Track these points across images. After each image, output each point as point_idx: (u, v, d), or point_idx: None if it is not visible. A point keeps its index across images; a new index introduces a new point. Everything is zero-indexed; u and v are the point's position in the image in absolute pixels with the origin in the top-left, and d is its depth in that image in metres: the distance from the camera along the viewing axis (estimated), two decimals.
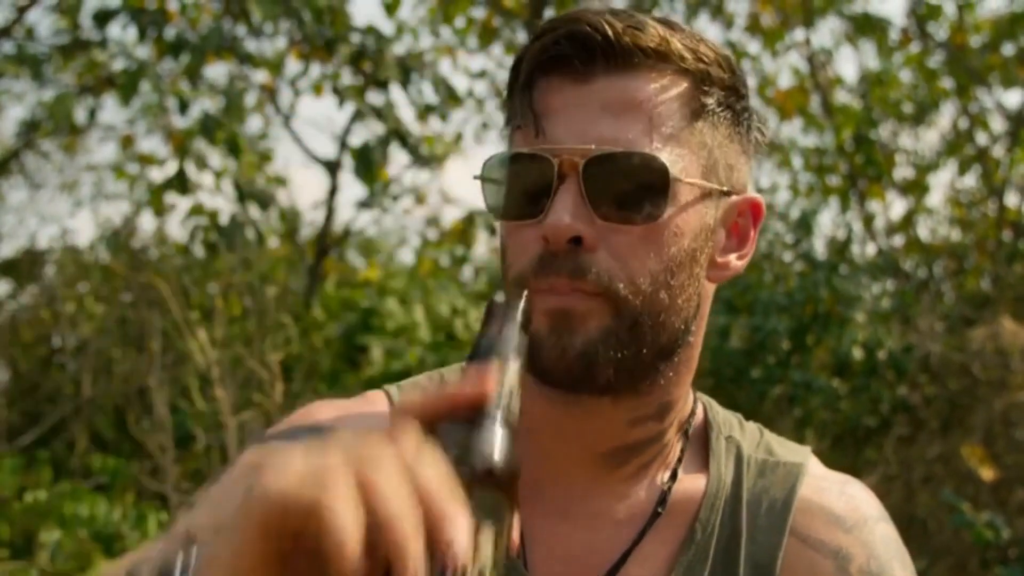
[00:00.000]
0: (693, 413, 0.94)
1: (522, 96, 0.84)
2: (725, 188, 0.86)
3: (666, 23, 0.84)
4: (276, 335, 4.82)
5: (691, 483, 0.91)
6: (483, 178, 0.86)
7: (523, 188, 0.82)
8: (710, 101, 0.84)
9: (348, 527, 0.49)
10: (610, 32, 0.81)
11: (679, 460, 0.91)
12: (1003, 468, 4.44)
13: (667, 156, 0.81)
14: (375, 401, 0.93)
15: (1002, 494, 4.55)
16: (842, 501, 0.93)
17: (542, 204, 0.80)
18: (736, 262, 0.89)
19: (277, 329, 4.90)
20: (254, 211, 5.13)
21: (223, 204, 5.99)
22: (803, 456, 0.95)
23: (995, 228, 6.12)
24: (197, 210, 5.10)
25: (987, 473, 4.38)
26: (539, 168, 0.81)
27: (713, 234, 0.86)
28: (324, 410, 0.90)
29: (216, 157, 5.40)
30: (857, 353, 5.08)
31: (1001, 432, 4.52)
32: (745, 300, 5.41)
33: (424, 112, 6.02)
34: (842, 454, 5.05)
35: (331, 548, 0.49)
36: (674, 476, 0.90)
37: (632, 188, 0.80)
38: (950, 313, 5.28)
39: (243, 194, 4.89)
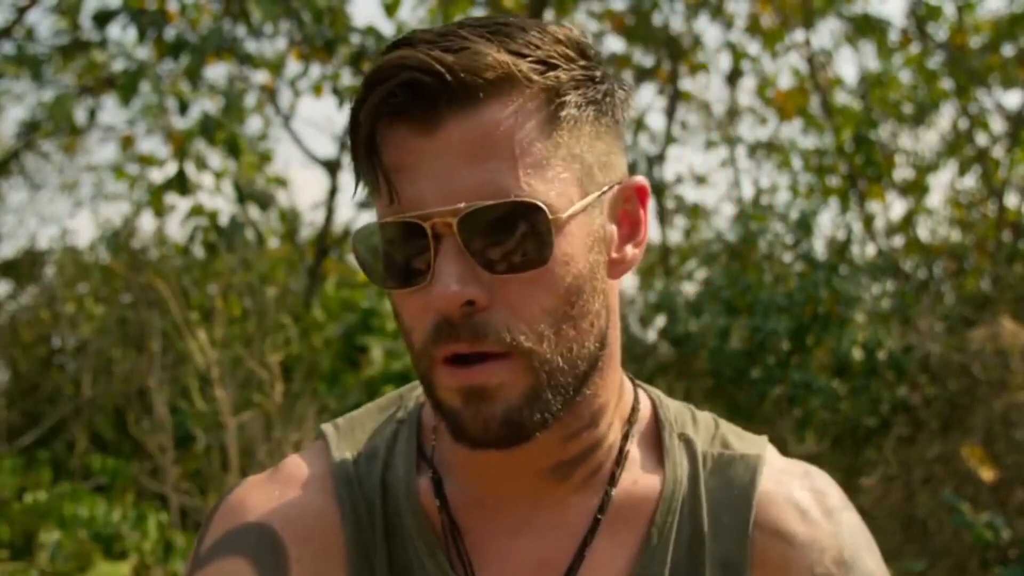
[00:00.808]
0: (635, 409, 0.91)
1: (368, 157, 0.77)
2: (604, 188, 0.82)
3: (502, 33, 0.77)
4: (276, 336, 4.82)
5: (646, 485, 0.88)
6: (355, 249, 0.81)
7: (401, 256, 0.77)
8: (568, 110, 0.79)
9: None
10: (445, 72, 0.74)
11: (618, 463, 0.88)
12: (1003, 468, 4.44)
13: (540, 188, 0.76)
14: (314, 458, 0.91)
15: (1002, 494, 4.55)
16: (805, 491, 0.90)
17: (423, 270, 0.76)
18: (633, 250, 0.85)
19: (277, 330, 4.90)
20: (254, 212, 5.14)
21: (223, 205, 6.01)
22: (760, 447, 0.92)
23: (995, 229, 6.13)
24: (197, 211, 5.10)
25: (987, 473, 4.37)
26: (410, 235, 0.76)
27: (604, 237, 0.82)
28: (255, 498, 0.88)
29: (216, 158, 5.41)
30: (857, 353, 5.08)
31: (1001, 432, 4.51)
32: (745, 301, 5.41)
33: None
34: (842, 454, 5.06)
35: None
36: (612, 480, 0.87)
37: (514, 236, 0.76)
38: (950, 313, 5.29)
39: (243, 195, 4.89)
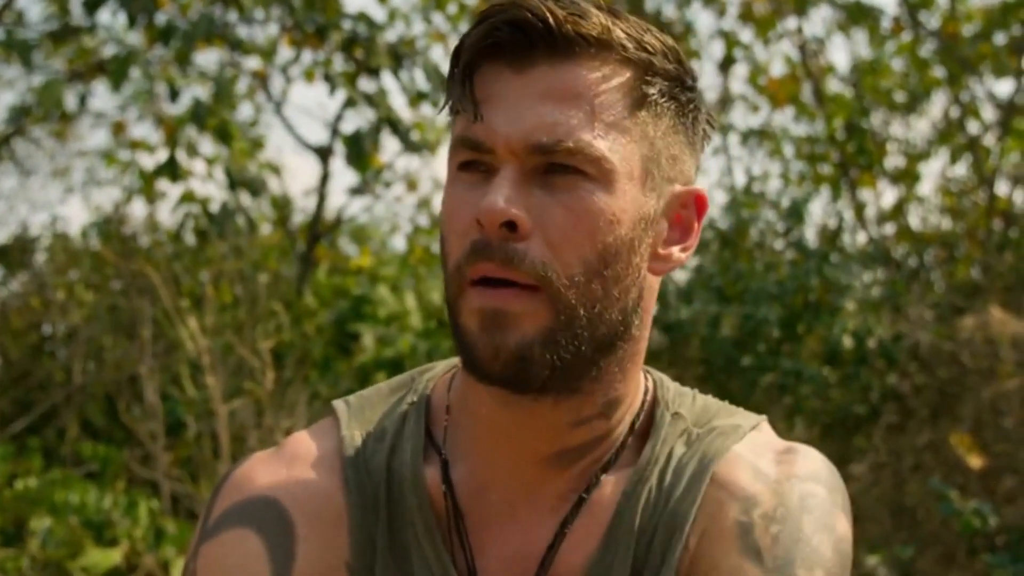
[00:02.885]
0: (644, 402, 0.92)
1: (462, 82, 0.83)
2: (668, 178, 0.86)
3: (611, 11, 0.83)
4: (267, 323, 4.83)
5: (627, 460, 0.90)
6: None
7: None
8: (652, 91, 0.83)
9: None
10: (551, 19, 0.80)
11: (620, 447, 0.90)
12: (992, 456, 4.47)
13: (607, 144, 0.81)
14: (323, 436, 0.92)
15: (990, 482, 4.58)
16: (774, 460, 0.90)
17: (480, 189, 0.81)
18: (679, 254, 0.88)
19: (268, 317, 4.91)
20: (245, 199, 5.13)
21: (215, 191, 5.99)
22: (751, 421, 0.93)
23: (985, 217, 6.14)
24: (188, 197, 5.09)
25: (975, 461, 4.40)
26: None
27: (654, 224, 0.85)
28: (262, 473, 0.90)
29: (208, 144, 5.40)
30: (847, 342, 5.10)
31: (990, 421, 4.54)
32: (736, 289, 5.42)
33: (416, 99, 6.01)
34: (831, 442, 5.08)
35: None
36: (607, 465, 0.89)
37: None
38: (940, 302, 5.31)
39: (234, 182, 4.88)
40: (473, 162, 0.82)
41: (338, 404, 0.95)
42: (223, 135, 5.00)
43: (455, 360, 0.93)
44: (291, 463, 0.90)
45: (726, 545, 0.84)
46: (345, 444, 0.90)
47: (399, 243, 9.72)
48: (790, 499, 0.86)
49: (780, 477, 0.88)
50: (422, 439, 0.90)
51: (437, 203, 8.98)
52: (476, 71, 0.83)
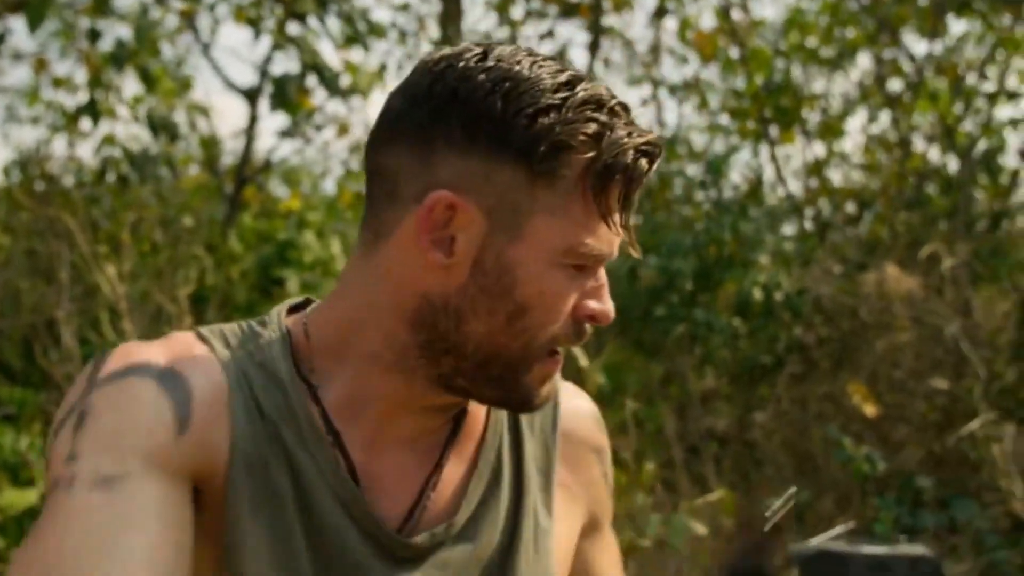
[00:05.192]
0: None
1: (622, 200, 0.89)
2: None
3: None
4: (189, 268, 4.85)
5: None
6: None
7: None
8: None
9: None
10: (658, 155, 0.90)
11: None
12: (885, 406, 4.70)
13: None
14: (191, 344, 0.93)
15: (884, 430, 4.82)
16: (591, 404, 1.10)
17: (589, 281, 0.91)
18: None
19: (190, 261, 4.93)
20: (165, 142, 5.10)
21: (141, 132, 5.93)
22: None
23: (899, 175, 6.33)
24: (109, 140, 5.06)
25: (870, 410, 4.63)
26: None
27: None
28: (153, 348, 0.90)
29: (134, 84, 5.35)
30: (757, 294, 5.28)
31: (884, 372, 4.76)
32: (654, 241, 5.56)
33: (346, 43, 6.00)
34: (738, 391, 5.28)
35: None
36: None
37: None
38: (848, 257, 5.50)
39: (155, 126, 4.86)
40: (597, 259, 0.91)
41: (200, 329, 0.96)
42: (145, 78, 4.97)
43: (284, 304, 1.00)
44: (170, 348, 0.90)
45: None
46: (217, 351, 0.92)
47: (331, 186, 9.71)
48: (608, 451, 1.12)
49: (601, 422, 1.11)
50: (291, 363, 0.93)
51: None
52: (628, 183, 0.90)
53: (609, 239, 0.89)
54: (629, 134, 0.86)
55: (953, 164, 6.27)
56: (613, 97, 0.87)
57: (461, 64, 0.86)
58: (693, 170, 6.41)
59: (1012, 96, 6.08)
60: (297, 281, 5.79)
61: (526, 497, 1.00)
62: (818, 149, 7.38)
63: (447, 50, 0.89)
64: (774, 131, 6.78)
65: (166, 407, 0.86)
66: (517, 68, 0.85)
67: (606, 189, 0.86)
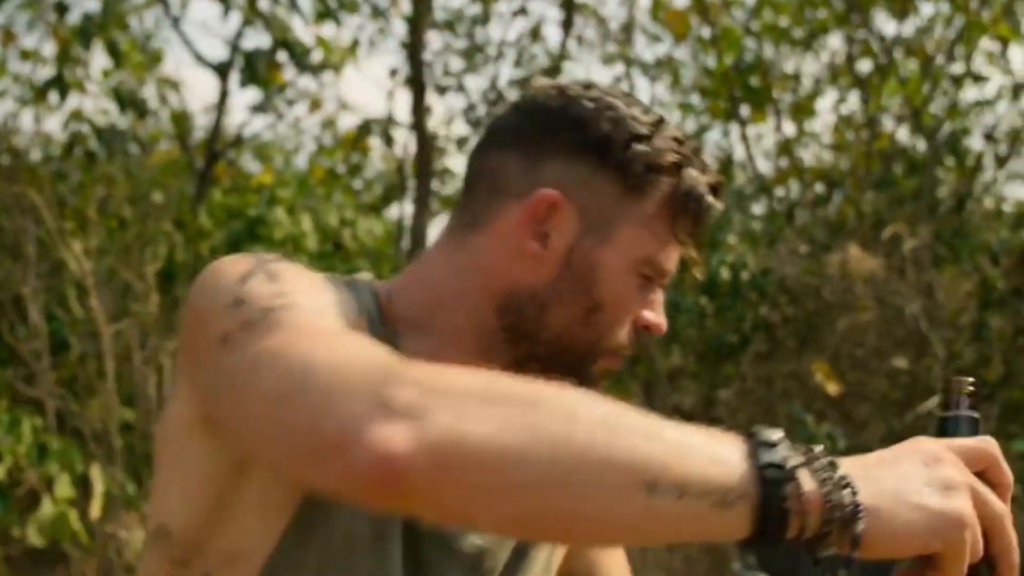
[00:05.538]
0: None
1: (695, 227, 1.00)
2: None
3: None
4: (158, 244, 4.85)
5: None
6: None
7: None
8: None
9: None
10: (723, 192, 1.03)
11: None
12: (847, 384, 4.78)
13: None
14: (360, 289, 0.98)
15: (846, 408, 4.90)
16: None
17: (651, 294, 1.01)
18: None
19: (159, 238, 4.92)
20: (133, 119, 5.08)
21: (109, 107, 5.89)
22: None
23: (866, 156, 6.38)
24: (77, 115, 5.03)
25: (833, 388, 4.71)
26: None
27: None
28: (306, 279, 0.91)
29: (102, 58, 5.31)
30: (725, 274, 5.34)
31: (846, 351, 4.84)
32: None
33: (318, 17, 5.98)
34: (704, 369, 5.35)
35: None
36: None
37: None
38: (814, 238, 5.56)
39: (123, 102, 4.84)
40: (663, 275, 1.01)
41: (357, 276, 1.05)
42: (114, 51, 4.93)
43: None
44: (337, 287, 0.94)
45: None
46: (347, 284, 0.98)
47: (304, 161, 9.68)
48: None
49: None
50: (377, 310, 0.99)
51: (342, 123, 8.96)
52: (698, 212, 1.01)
53: (674, 259, 1.01)
54: (703, 170, 1.00)
55: (921, 146, 6.33)
56: (690, 138, 1.01)
57: (571, 92, 1.00)
58: None
59: (978, 79, 6.14)
60: None
61: None
62: (789, 129, 7.43)
63: (554, 81, 1.04)
64: (745, 111, 6.82)
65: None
66: (616, 101, 0.98)
67: (682, 213, 0.99)
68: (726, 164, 6.60)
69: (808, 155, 7.28)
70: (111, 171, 4.87)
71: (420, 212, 5.97)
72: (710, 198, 0.99)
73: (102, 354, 3.98)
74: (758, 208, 6.60)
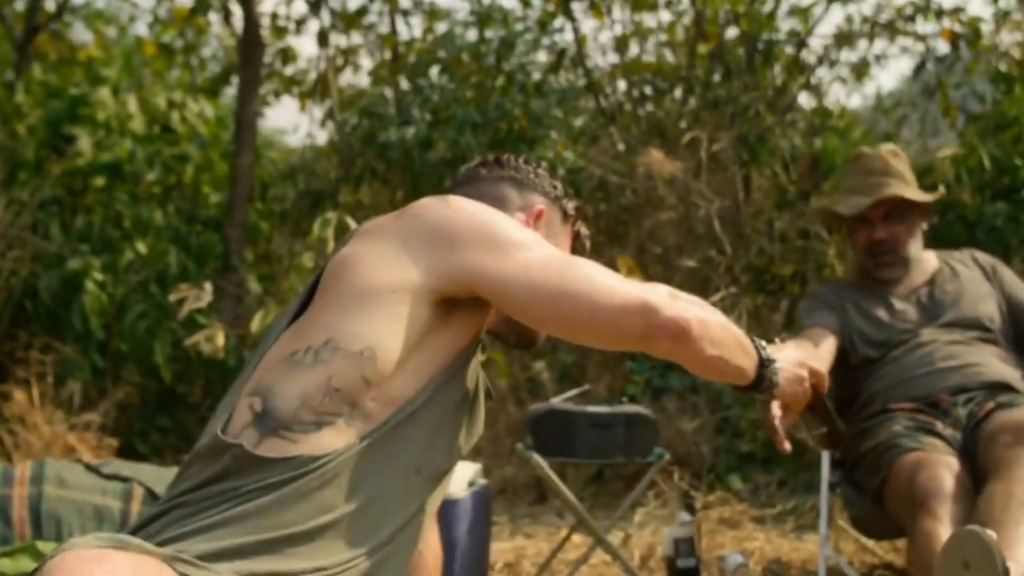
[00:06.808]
0: None
1: (580, 235, 1.90)
2: None
3: None
4: None
5: None
6: None
7: None
8: None
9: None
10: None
11: None
12: (649, 278, 5.12)
13: None
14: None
15: None
16: None
17: None
18: None
19: None
20: None
21: None
22: None
23: (689, 55, 6.60)
24: None
25: (636, 281, 5.04)
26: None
27: None
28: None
29: None
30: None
31: (649, 248, 5.17)
32: (449, 113, 5.73)
33: None
34: None
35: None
36: None
37: None
38: (630, 138, 5.80)
39: None
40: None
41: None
42: None
43: None
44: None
45: None
46: None
47: (141, 31, 9.33)
48: None
49: None
50: None
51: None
52: None
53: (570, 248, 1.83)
54: (581, 212, 1.89)
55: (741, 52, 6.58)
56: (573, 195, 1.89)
57: (521, 160, 1.82)
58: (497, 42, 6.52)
59: None
60: (89, 140, 5.69)
61: None
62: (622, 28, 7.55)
63: (506, 156, 1.82)
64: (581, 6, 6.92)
65: None
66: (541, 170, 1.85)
67: (576, 232, 1.87)
68: (558, 60, 6.71)
69: (649, 55, 7.46)
70: None
71: (245, 95, 5.92)
72: (583, 227, 1.87)
73: None
74: (591, 105, 6.77)
